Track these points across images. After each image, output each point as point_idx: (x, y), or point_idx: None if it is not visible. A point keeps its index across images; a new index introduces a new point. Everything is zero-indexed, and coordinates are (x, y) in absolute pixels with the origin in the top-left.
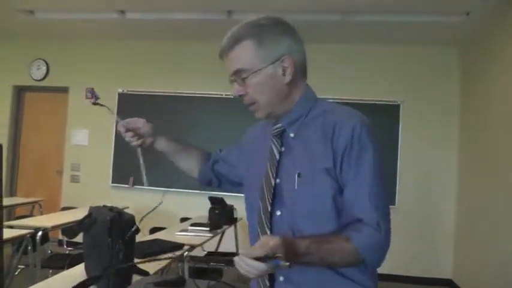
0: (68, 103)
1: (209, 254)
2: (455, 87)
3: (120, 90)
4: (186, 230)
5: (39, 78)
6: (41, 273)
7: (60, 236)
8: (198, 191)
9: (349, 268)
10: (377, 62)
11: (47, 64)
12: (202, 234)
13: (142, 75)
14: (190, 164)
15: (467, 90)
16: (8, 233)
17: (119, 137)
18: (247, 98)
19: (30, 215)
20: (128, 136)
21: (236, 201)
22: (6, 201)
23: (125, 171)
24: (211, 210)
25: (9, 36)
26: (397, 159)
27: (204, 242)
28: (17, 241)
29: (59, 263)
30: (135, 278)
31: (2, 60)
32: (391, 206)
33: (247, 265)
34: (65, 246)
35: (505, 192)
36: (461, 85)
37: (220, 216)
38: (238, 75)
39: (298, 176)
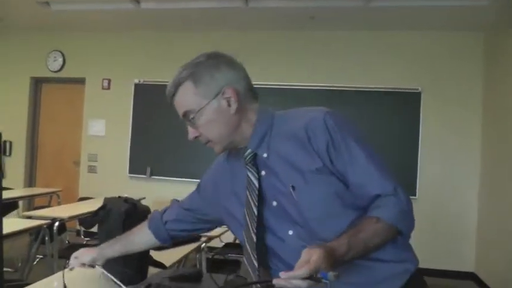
0: (85, 94)
1: (227, 245)
2: (478, 73)
3: (136, 81)
4: None
5: (55, 70)
6: (59, 263)
7: (78, 226)
8: None
9: (382, 251)
10: (398, 48)
11: (63, 55)
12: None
13: (158, 66)
14: (142, 244)
15: (491, 76)
16: (26, 223)
17: (135, 127)
18: (202, 138)
19: (48, 206)
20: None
21: None
22: (25, 192)
23: (142, 161)
24: None
25: (25, 28)
26: (417, 148)
27: (222, 233)
28: (35, 231)
29: None
30: (151, 270)
31: (20, 52)
32: (410, 197)
33: (294, 285)
34: (82, 237)
35: None
36: (484, 71)
37: None
38: (187, 117)
39: (293, 189)
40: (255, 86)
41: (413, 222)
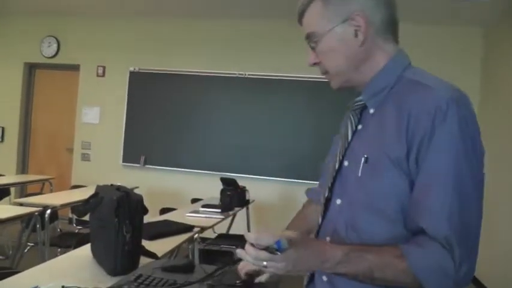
0: (79, 81)
1: (220, 236)
2: (476, 69)
3: (131, 69)
4: (197, 212)
5: (50, 56)
6: (50, 251)
7: (70, 215)
8: (210, 172)
9: None
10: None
11: (57, 41)
12: (213, 215)
13: (154, 54)
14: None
15: (489, 72)
16: (17, 210)
17: (130, 116)
18: (321, 67)
19: (41, 193)
20: None
21: (248, 183)
22: (18, 179)
23: (136, 150)
24: (223, 192)
25: (19, 13)
26: None
27: (215, 224)
28: (26, 218)
29: (68, 241)
30: (143, 260)
31: (13, 37)
32: None
33: (248, 254)
34: (75, 225)
35: None
36: (482, 67)
37: (232, 198)
38: (310, 40)
39: (365, 161)
40: (254, 76)
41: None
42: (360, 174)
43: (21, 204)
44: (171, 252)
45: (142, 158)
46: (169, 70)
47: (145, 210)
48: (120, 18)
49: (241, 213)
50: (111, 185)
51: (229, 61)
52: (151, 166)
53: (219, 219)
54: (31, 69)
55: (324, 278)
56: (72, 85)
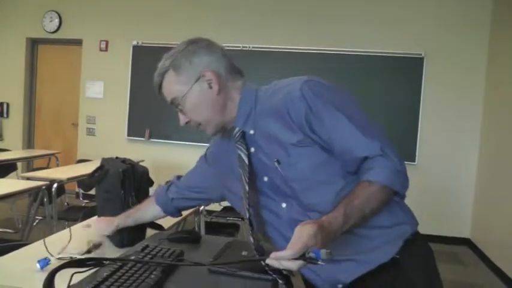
0: (82, 55)
1: (225, 208)
2: (484, 40)
3: (134, 43)
4: None
5: (52, 31)
6: (58, 224)
7: (77, 189)
8: None
9: (377, 218)
10: (403, 11)
11: (59, 16)
12: None
13: (156, 28)
14: (152, 218)
15: (497, 41)
16: (24, 184)
17: (134, 89)
18: (192, 123)
19: (47, 167)
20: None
21: None
22: (24, 153)
23: (140, 124)
24: None
25: None
26: (418, 114)
27: None
28: (34, 192)
29: (75, 215)
30: (150, 232)
31: (15, 12)
32: (409, 163)
33: (284, 266)
34: (81, 199)
35: None
36: (491, 37)
37: None
38: (175, 105)
39: (278, 163)
40: (258, 48)
41: (407, 180)
42: (283, 173)
43: (28, 179)
44: (177, 224)
45: (147, 132)
46: (172, 43)
47: (151, 182)
48: None
49: None
50: (117, 157)
51: (233, 33)
52: (156, 140)
53: None
54: (34, 44)
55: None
56: (75, 60)
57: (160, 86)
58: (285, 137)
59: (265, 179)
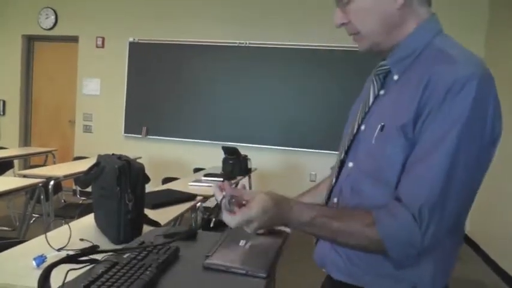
0: (78, 52)
1: None
2: (480, 42)
3: (131, 39)
4: (199, 181)
5: (48, 28)
6: (55, 222)
7: (74, 186)
8: (212, 141)
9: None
10: None
11: (55, 13)
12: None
13: (153, 24)
14: None
15: (493, 46)
16: (21, 182)
17: (130, 86)
18: (349, 27)
19: (44, 165)
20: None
21: (250, 151)
22: (21, 151)
23: (137, 121)
24: (225, 161)
25: None
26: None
27: None
28: (31, 190)
29: (72, 212)
30: (146, 228)
31: (10, 9)
32: None
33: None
34: (78, 196)
35: None
36: (486, 40)
37: (234, 167)
38: None
39: (381, 128)
40: (255, 45)
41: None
42: (373, 142)
43: (24, 176)
44: (174, 221)
45: (144, 129)
46: (168, 40)
47: (147, 179)
48: None
49: (244, 182)
50: (113, 154)
51: (230, 30)
52: (153, 137)
53: None
54: (30, 41)
55: (335, 200)
56: (71, 57)
57: None
58: (403, 111)
59: (362, 128)
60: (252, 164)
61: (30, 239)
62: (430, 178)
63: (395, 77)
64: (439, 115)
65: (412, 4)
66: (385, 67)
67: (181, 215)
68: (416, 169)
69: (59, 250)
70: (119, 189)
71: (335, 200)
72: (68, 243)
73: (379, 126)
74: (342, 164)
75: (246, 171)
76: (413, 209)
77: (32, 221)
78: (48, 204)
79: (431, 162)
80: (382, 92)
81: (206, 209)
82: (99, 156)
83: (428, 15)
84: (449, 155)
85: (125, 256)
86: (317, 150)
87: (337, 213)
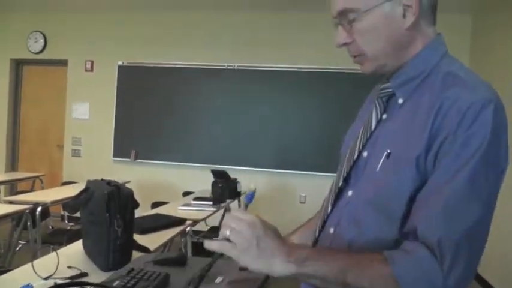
0: (67, 76)
1: (212, 228)
2: (465, 56)
3: (120, 63)
4: (189, 205)
5: (37, 51)
6: (43, 248)
7: (62, 211)
8: (201, 165)
9: None
10: None
11: (44, 37)
12: (205, 208)
13: (142, 47)
14: None
15: (477, 58)
16: (7, 208)
17: (120, 110)
18: (352, 48)
19: (31, 190)
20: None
21: (240, 174)
22: (8, 176)
23: (126, 145)
24: (214, 184)
25: (5, 8)
26: None
27: (208, 217)
28: (17, 216)
29: (59, 238)
30: (135, 254)
31: (0, 33)
32: None
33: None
34: (67, 222)
35: None
36: (471, 54)
37: (224, 190)
38: (344, 16)
39: (387, 156)
40: (243, 67)
41: None
42: (378, 170)
43: (11, 202)
44: (164, 245)
45: (133, 153)
46: (157, 63)
47: (136, 204)
48: (107, 12)
49: (233, 205)
50: (102, 179)
51: (218, 53)
52: (142, 160)
53: (211, 212)
54: (18, 65)
55: (331, 230)
56: (60, 80)
57: None
58: (414, 140)
59: (364, 154)
60: (241, 187)
61: (17, 267)
62: (450, 209)
63: (400, 101)
64: (455, 143)
65: (420, 24)
66: (389, 90)
67: (171, 239)
68: (432, 200)
69: (46, 279)
70: (108, 215)
71: (331, 230)
72: (55, 271)
73: (385, 153)
74: (339, 191)
75: (236, 195)
76: (430, 243)
77: (18, 248)
78: (35, 231)
79: (451, 193)
80: (384, 116)
81: (196, 233)
82: (88, 182)
83: (435, 35)
84: (470, 184)
85: (115, 284)
86: (307, 172)
87: (343, 249)
